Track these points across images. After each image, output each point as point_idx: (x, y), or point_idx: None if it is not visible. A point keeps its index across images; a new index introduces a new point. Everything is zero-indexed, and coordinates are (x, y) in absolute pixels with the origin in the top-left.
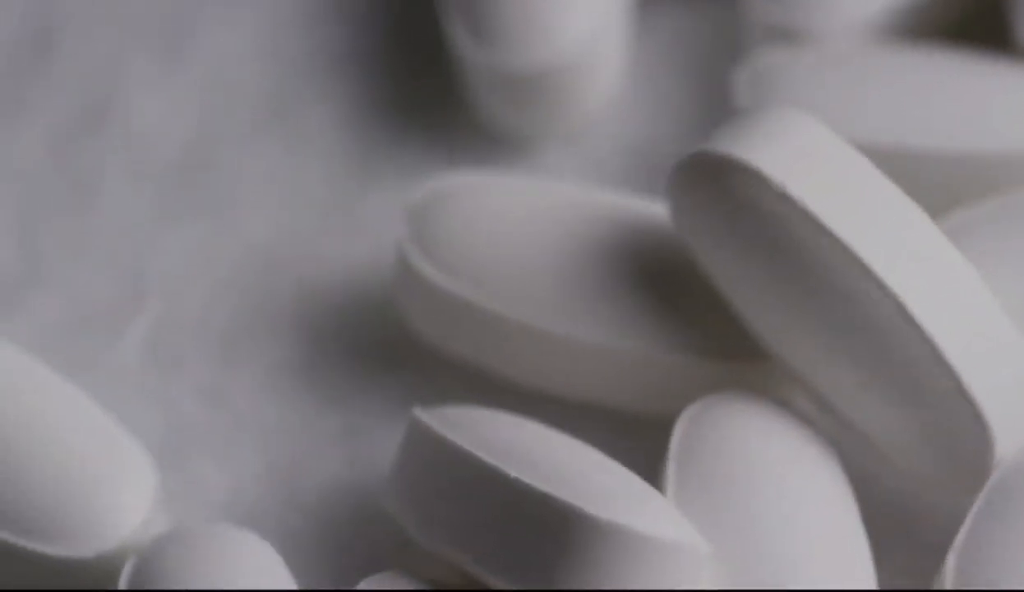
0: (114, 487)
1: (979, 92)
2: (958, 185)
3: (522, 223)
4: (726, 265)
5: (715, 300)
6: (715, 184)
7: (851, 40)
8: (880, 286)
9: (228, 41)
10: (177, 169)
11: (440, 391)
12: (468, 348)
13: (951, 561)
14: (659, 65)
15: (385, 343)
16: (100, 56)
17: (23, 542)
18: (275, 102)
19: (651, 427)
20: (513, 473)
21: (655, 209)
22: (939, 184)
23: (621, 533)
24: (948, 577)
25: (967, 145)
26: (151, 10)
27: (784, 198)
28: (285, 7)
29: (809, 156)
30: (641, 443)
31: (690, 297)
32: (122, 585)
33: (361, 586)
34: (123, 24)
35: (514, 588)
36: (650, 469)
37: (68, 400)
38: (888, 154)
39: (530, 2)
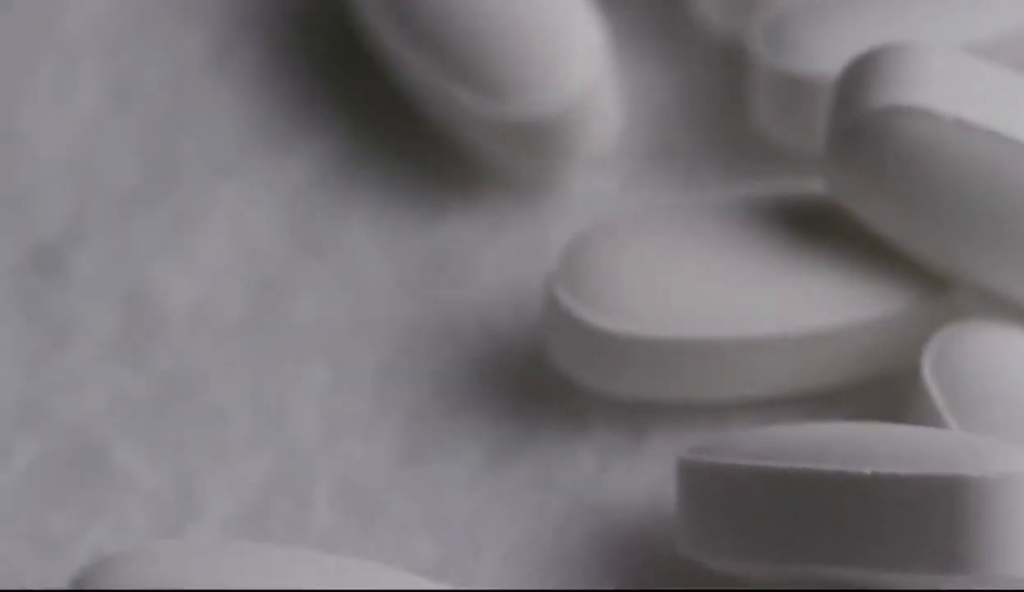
0: None
1: None
2: None
3: (673, 247)
4: (901, 211)
5: (882, 250)
6: (881, 138)
7: None
8: None
9: (233, 193)
10: (249, 326)
11: (629, 431)
12: (654, 384)
13: None
14: (639, 65)
15: (563, 401)
16: (112, 259)
17: None
18: (304, 230)
19: (841, 400)
20: (868, 470)
21: (776, 189)
22: None
23: (1009, 481)
24: None
25: (1003, 28)
26: (149, 193)
27: (959, 125)
28: (266, 131)
29: (954, 79)
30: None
31: (862, 256)
32: None
33: None
34: (124, 220)
35: (915, 576)
36: None
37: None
38: None
39: (530, 48)
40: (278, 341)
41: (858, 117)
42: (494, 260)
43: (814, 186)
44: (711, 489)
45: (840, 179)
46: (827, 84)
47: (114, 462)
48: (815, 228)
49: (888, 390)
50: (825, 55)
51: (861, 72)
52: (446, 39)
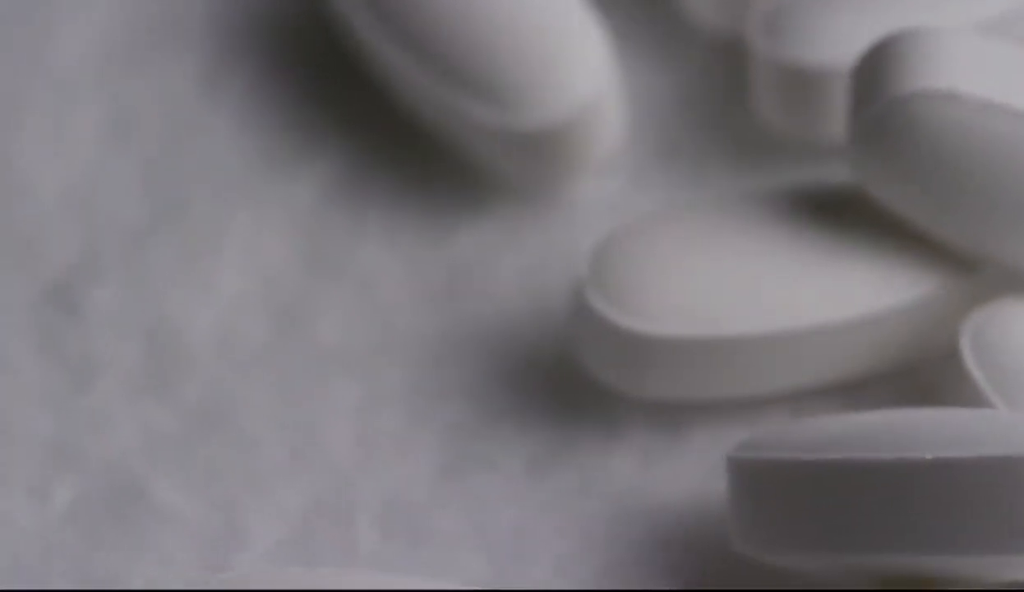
0: None
1: None
2: None
3: (700, 244)
4: (929, 195)
5: (907, 235)
6: (908, 124)
7: None
8: None
9: (243, 219)
10: (273, 352)
11: (666, 432)
12: (690, 384)
13: None
14: (636, 66)
15: (597, 406)
16: (129, 294)
17: None
18: (318, 252)
19: (872, 388)
20: (928, 455)
21: (796, 179)
22: None
23: None
24: None
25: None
26: (157, 225)
27: (984, 106)
28: (270, 155)
29: (974, 60)
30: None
31: (888, 242)
32: None
33: None
34: (136, 254)
35: (979, 559)
36: None
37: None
38: None
39: (535, 57)
40: (305, 365)
41: (884, 105)
42: (512, 270)
43: (822, 175)
44: (765, 485)
45: (867, 168)
46: (828, 73)
47: (153, 498)
48: (839, 217)
49: (918, 375)
50: (825, 44)
51: (880, 59)
52: (450, 52)
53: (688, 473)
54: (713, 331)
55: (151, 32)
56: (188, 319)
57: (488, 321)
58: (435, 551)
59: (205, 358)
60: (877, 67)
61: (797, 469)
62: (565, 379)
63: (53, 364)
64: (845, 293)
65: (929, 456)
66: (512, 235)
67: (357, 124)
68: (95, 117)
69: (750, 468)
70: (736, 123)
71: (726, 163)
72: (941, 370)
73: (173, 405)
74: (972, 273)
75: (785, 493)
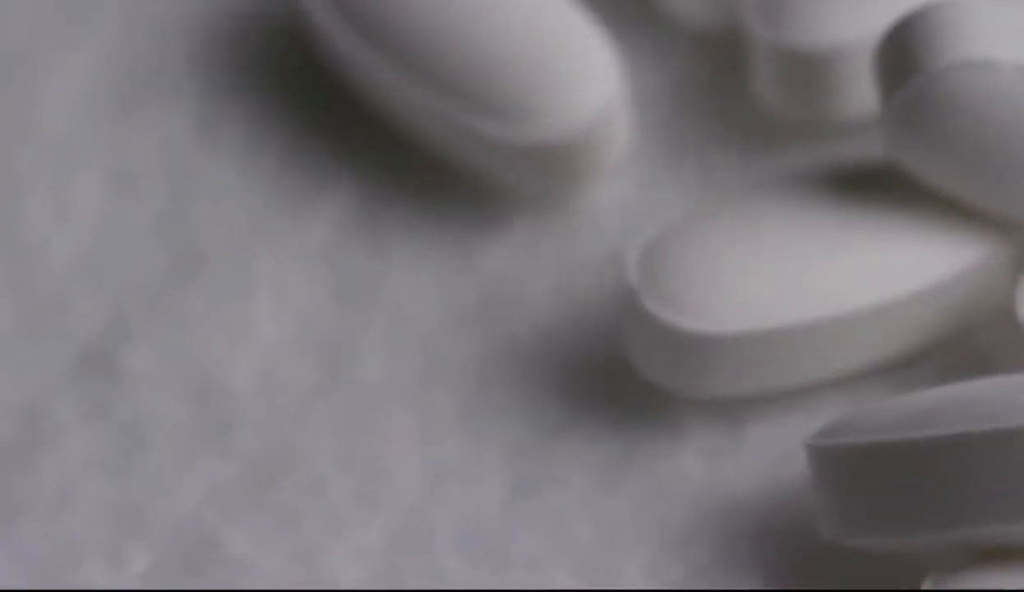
0: None
1: None
2: None
3: (744, 237)
4: (969, 166)
5: (946, 204)
6: (947, 97)
7: None
8: None
9: (267, 264)
10: (323, 392)
11: (728, 429)
12: (750, 380)
13: None
14: (631, 67)
15: (655, 411)
16: (165, 351)
17: None
18: (348, 288)
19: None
20: (1014, 423)
21: (832, 160)
22: None
23: None
24: None
25: None
26: (180, 278)
27: (1021, 71)
28: (284, 197)
29: (1002, 27)
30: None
31: (930, 213)
32: None
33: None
34: (165, 310)
35: None
36: None
37: None
38: None
39: (546, 71)
40: (356, 400)
41: (920, 80)
42: (541, 281)
43: (832, 156)
44: (857, 469)
45: (905, 145)
46: (829, 55)
47: (229, 551)
48: (877, 194)
49: (969, 344)
50: (824, 27)
51: (909, 34)
52: (455, 69)
53: (755, 465)
54: (770, 323)
55: (137, 82)
56: (230, 368)
57: (526, 335)
58: (521, 572)
59: (255, 405)
60: (907, 43)
61: (890, 450)
62: (615, 385)
63: (103, 430)
64: (896, 269)
65: (1013, 424)
66: (535, 248)
67: (364, 152)
68: (97, 177)
69: (838, 454)
70: (738, 114)
71: (733, 155)
72: (993, 336)
73: (232, 457)
74: (1013, 238)
75: (879, 475)
